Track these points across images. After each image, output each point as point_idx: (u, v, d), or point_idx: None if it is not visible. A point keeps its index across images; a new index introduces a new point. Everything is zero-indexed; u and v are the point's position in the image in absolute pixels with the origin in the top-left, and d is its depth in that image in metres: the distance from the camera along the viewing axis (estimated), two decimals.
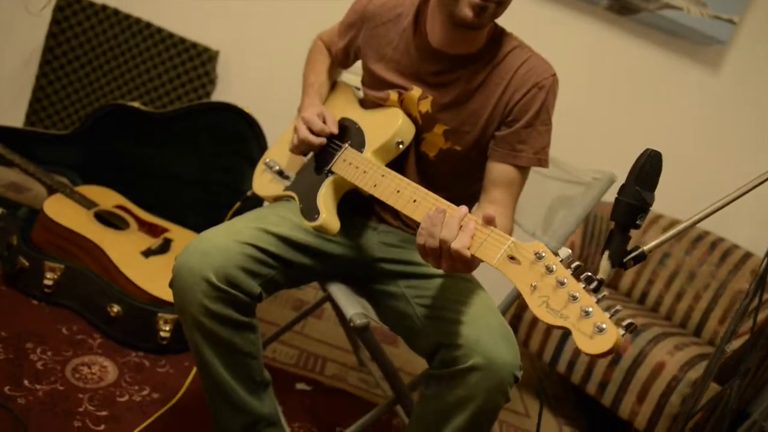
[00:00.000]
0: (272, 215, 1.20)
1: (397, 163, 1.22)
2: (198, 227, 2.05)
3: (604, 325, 0.69)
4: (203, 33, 2.42)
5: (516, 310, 2.19)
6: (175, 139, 2.03)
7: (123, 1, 2.42)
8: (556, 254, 0.80)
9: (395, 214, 1.32)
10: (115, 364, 1.58)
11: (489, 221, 0.87)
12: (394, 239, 1.29)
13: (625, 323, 0.70)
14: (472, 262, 0.87)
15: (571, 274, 0.76)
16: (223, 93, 2.45)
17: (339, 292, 1.26)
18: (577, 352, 2.01)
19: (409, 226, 1.32)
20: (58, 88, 2.47)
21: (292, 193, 1.30)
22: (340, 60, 1.42)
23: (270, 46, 2.46)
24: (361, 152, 1.22)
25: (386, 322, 1.26)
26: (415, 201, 1.01)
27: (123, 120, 2.01)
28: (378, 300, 1.28)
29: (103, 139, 2.02)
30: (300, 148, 1.26)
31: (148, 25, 2.39)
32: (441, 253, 0.89)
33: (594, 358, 1.92)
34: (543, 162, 1.22)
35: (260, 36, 2.46)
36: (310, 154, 1.32)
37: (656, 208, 2.40)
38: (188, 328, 1.09)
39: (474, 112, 1.21)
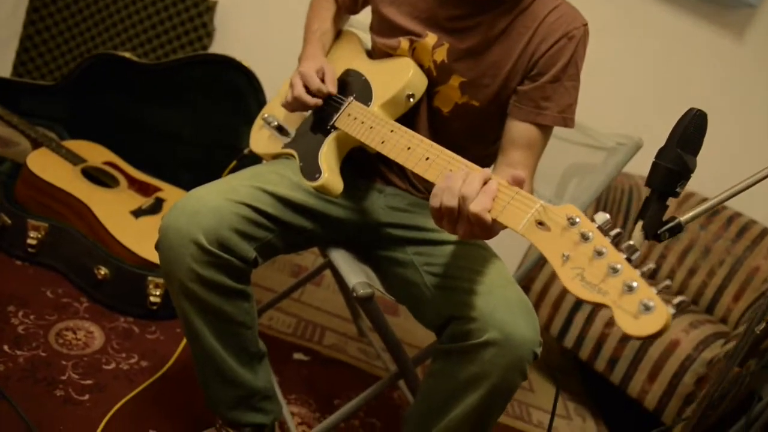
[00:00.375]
0: (270, 173, 1.09)
1: (407, 119, 1.11)
2: (192, 187, 1.95)
3: (651, 303, 0.59)
4: None
5: (523, 282, 2.10)
6: (169, 93, 1.92)
7: None
8: (592, 220, 0.69)
9: (403, 175, 1.21)
10: (102, 330, 1.49)
11: (517, 183, 0.77)
12: (401, 203, 1.19)
13: (675, 301, 0.60)
14: (493, 227, 0.77)
15: (611, 243, 0.66)
16: (220, 46, 2.31)
17: (341, 258, 1.16)
18: (586, 326, 1.92)
19: (418, 189, 1.22)
20: (47, 38, 2.33)
21: (292, 151, 1.19)
22: (348, 5, 1.29)
23: (274, 4, 2.32)
24: (368, 106, 1.11)
25: (392, 291, 1.17)
26: (427, 159, 0.90)
27: (112, 71, 1.88)
28: (383, 268, 1.19)
29: (91, 91, 1.90)
30: (293, 105, 1.15)
31: None
32: (458, 215, 0.79)
33: (639, 340, 1.84)
34: (569, 122, 1.11)
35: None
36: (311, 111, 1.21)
37: None
38: (176, 295, 0.99)
39: (495, 63, 1.09)
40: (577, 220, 0.69)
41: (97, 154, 1.82)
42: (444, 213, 0.80)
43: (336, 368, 1.70)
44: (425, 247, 1.11)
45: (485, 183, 0.78)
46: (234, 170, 1.41)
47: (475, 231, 0.78)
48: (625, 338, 1.85)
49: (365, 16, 1.31)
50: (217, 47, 2.33)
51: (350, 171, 1.16)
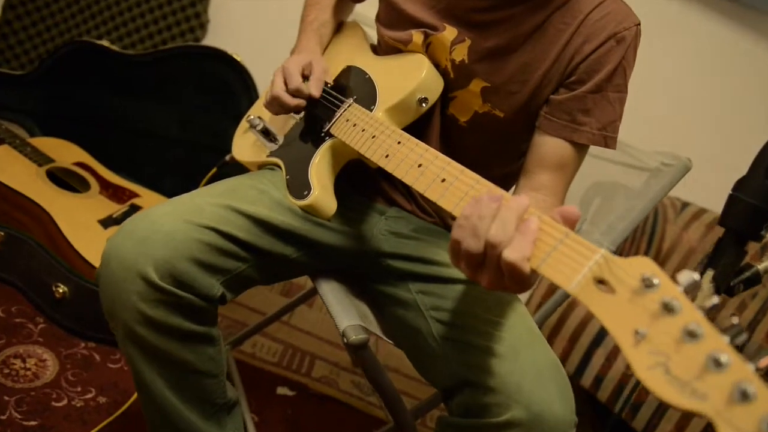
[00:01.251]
0: (248, 188, 0.90)
1: (416, 128, 0.91)
2: (175, 193, 1.76)
3: None
4: None
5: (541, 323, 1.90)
6: (152, 87, 1.72)
7: None
8: (673, 278, 0.50)
9: (409, 194, 1.01)
10: (57, 357, 1.30)
11: (568, 220, 0.57)
12: (405, 228, 0.99)
13: None
14: (530, 280, 0.57)
15: (705, 317, 0.46)
16: (214, 40, 2.12)
17: (331, 293, 0.96)
18: (607, 365, 1.72)
19: (425, 211, 1.02)
20: (27, 24, 2.14)
21: (278, 160, 1.00)
22: None
23: None
24: (370, 111, 0.91)
25: (390, 335, 0.97)
26: (444, 181, 0.70)
27: (90, 61, 1.70)
28: (381, 305, 0.99)
29: (66, 83, 1.71)
30: (272, 106, 0.97)
31: None
32: (484, 261, 0.59)
33: None
34: (610, 142, 0.91)
35: None
36: (303, 112, 1.02)
37: (697, 199, 2.10)
38: (120, 340, 0.80)
39: (525, 65, 0.90)
40: (656, 281, 0.49)
41: (67, 153, 1.63)
42: (465, 255, 0.60)
43: (326, 405, 1.50)
44: (432, 285, 0.92)
45: (523, 220, 0.58)
46: (213, 180, 1.22)
47: (505, 283, 0.58)
48: None
49: (370, 8, 1.11)
50: (210, 40, 2.13)
51: (346, 186, 0.96)
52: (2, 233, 1.38)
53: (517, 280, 0.56)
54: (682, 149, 1.19)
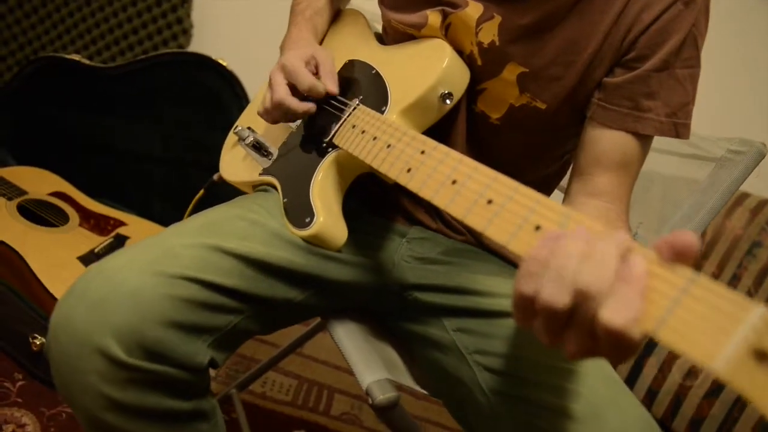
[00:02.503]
0: (235, 219, 0.72)
1: (435, 132, 0.74)
2: (165, 219, 1.60)
3: None
4: None
5: None
6: (132, 102, 1.55)
7: None
8: None
9: (432, 208, 0.84)
10: (39, 420, 1.13)
11: (683, 254, 0.38)
12: (432, 251, 0.81)
13: None
14: (637, 348, 0.39)
15: None
16: (200, 46, 1.95)
17: (347, 339, 0.79)
18: (660, 375, 1.54)
19: (453, 228, 0.84)
20: None
21: (272, 179, 0.83)
22: None
23: None
24: (381, 113, 0.74)
25: (425, 384, 0.79)
26: (490, 202, 0.52)
27: (61, 78, 1.53)
28: (411, 346, 0.82)
29: (36, 103, 1.55)
30: (273, 114, 0.79)
31: None
32: (572, 321, 0.41)
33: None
34: (681, 130, 0.73)
35: None
36: (300, 121, 0.85)
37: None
38: (85, 427, 0.62)
39: (571, 43, 0.72)
40: None
41: (42, 183, 1.47)
42: (544, 313, 0.41)
43: None
44: (473, 321, 0.74)
45: (625, 262, 0.40)
46: (201, 205, 1.05)
47: (600, 350, 0.40)
48: (713, 392, 1.47)
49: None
50: (195, 47, 1.97)
51: (355, 204, 0.79)
52: None
53: (620, 348, 0.38)
54: (752, 135, 1.01)
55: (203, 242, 0.65)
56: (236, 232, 0.69)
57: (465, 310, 0.75)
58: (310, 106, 0.77)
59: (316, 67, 0.79)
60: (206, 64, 1.51)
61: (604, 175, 0.74)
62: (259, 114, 0.81)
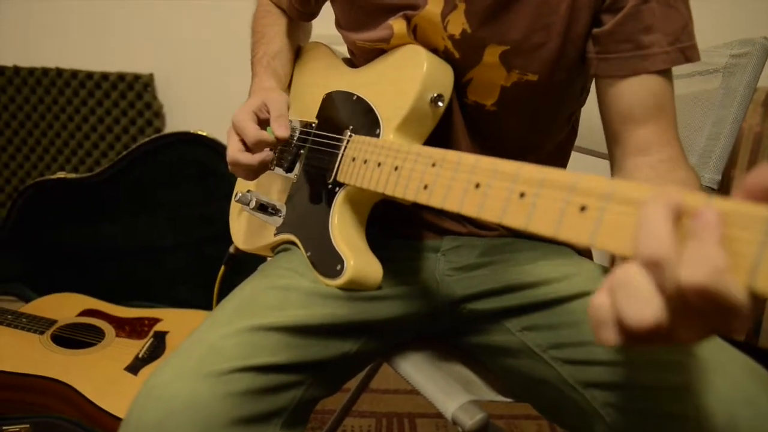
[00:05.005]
0: (266, 290, 0.69)
1: (434, 137, 0.71)
2: (195, 301, 1.58)
3: None
4: (126, 60, 1.91)
5: None
6: (129, 199, 1.54)
7: (18, 57, 1.92)
8: None
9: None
10: None
11: (760, 192, 0.34)
12: (470, 257, 0.77)
13: None
14: (745, 306, 0.34)
15: None
16: (176, 123, 1.95)
17: (416, 372, 0.76)
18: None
19: (485, 226, 0.80)
20: None
21: (289, 236, 0.80)
22: (299, 9, 0.90)
23: (215, 50, 1.93)
24: (377, 136, 0.71)
25: (509, 392, 0.76)
26: (523, 195, 0.49)
27: (53, 199, 1.52)
28: (482, 358, 0.78)
29: (37, 231, 1.54)
30: (240, 174, 0.78)
31: (59, 72, 1.89)
32: (669, 308, 0.36)
33: None
34: (690, 53, 0.68)
35: (197, 40, 1.94)
36: (297, 167, 0.82)
37: None
38: None
39: (541, 6, 0.68)
40: None
41: (67, 306, 1.45)
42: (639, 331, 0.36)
43: None
44: (536, 316, 0.70)
45: (683, 215, 0.36)
46: (225, 281, 1.03)
47: (709, 320, 0.35)
48: None
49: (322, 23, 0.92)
50: (172, 126, 1.96)
51: (379, 234, 0.76)
52: (27, 425, 1.19)
53: (723, 310, 0.34)
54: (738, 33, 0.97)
55: (242, 326, 0.62)
56: (271, 304, 0.66)
57: (523, 307, 0.71)
58: (264, 157, 0.75)
59: (268, 111, 0.77)
60: (188, 140, 1.50)
61: (640, 129, 0.69)
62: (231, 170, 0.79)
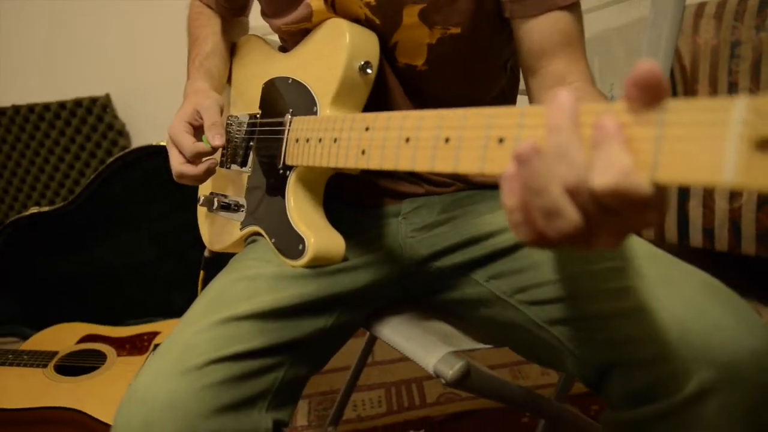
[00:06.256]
0: (234, 283, 0.71)
1: (376, 105, 0.72)
2: (187, 308, 1.61)
3: None
4: (79, 85, 1.90)
5: None
6: (106, 221, 1.55)
7: None
8: None
9: (412, 175, 0.81)
10: None
11: (650, 87, 0.34)
12: (430, 215, 0.79)
13: None
14: (655, 199, 0.35)
15: None
16: (141, 139, 1.95)
17: (395, 335, 0.78)
18: (708, 215, 1.50)
19: (441, 183, 0.82)
20: None
21: (254, 228, 0.81)
22: (225, 6, 0.91)
23: (167, 60, 1.92)
24: (315, 113, 0.72)
25: (487, 339, 0.78)
26: (448, 140, 0.50)
27: (33, 235, 1.53)
28: (457, 312, 0.80)
29: (24, 270, 1.55)
30: (185, 182, 0.79)
31: (16, 109, 1.88)
32: (586, 214, 0.37)
33: None
34: None
35: (147, 53, 1.94)
36: (250, 160, 0.83)
37: None
38: None
39: None
40: None
41: (67, 336, 1.47)
42: (535, 220, 0.39)
43: (462, 425, 1.32)
44: (499, 264, 0.72)
45: (581, 125, 0.37)
46: (205, 282, 1.04)
47: (624, 220, 0.36)
48: (765, 201, 1.43)
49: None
50: (138, 142, 1.96)
51: (338, 208, 0.77)
52: None
53: (637, 207, 0.35)
54: None
55: (213, 320, 0.63)
56: (240, 295, 0.68)
57: (487, 257, 0.73)
58: (207, 165, 0.76)
59: (201, 118, 0.78)
60: (153, 152, 1.51)
61: (554, 62, 0.71)
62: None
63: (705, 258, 1.85)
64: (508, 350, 0.75)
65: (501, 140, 0.45)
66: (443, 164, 0.51)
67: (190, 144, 0.74)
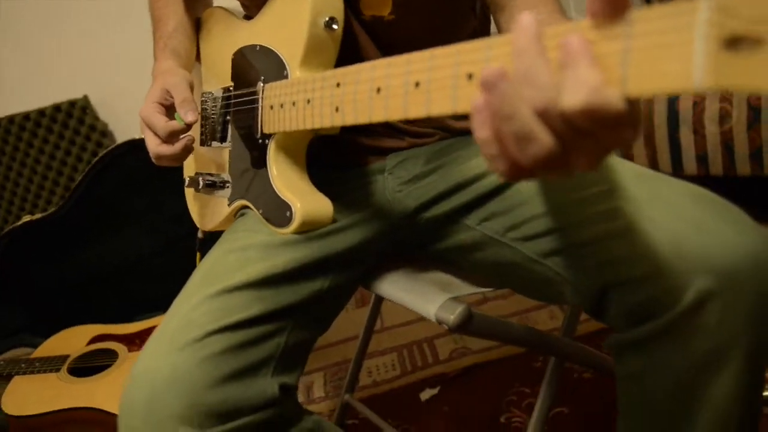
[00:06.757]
0: (224, 256, 0.71)
1: (347, 61, 0.71)
2: None
3: None
4: (56, 89, 1.88)
5: None
6: (99, 221, 1.55)
7: None
8: None
9: (393, 129, 0.81)
10: None
11: (616, 2, 0.34)
12: (415, 167, 0.78)
13: None
14: (629, 115, 0.34)
15: None
16: (125, 137, 1.92)
17: (394, 289, 0.78)
18: (699, 141, 1.49)
19: (423, 134, 0.81)
20: None
21: (242, 202, 0.81)
22: None
23: (140, 55, 1.90)
24: (286, 77, 0.71)
25: (486, 282, 0.78)
26: (418, 85, 0.49)
27: (28, 244, 1.53)
28: (454, 260, 0.80)
29: (23, 277, 1.55)
30: (165, 163, 0.78)
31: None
32: (560, 138, 0.37)
33: None
34: None
35: (120, 51, 1.91)
36: (229, 134, 0.82)
37: None
38: None
39: None
40: None
41: (77, 339, 1.48)
42: (513, 150, 0.38)
43: (475, 379, 1.33)
44: (489, 206, 0.71)
45: (547, 48, 0.37)
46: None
47: (601, 140, 0.36)
48: (753, 120, 1.42)
49: None
50: (123, 137, 1.94)
51: (324, 171, 0.77)
52: None
53: (611, 124, 0.34)
54: None
55: (207, 294, 0.63)
56: (232, 267, 0.67)
57: (476, 200, 0.72)
58: (184, 143, 0.75)
59: (172, 97, 0.77)
60: (135, 146, 1.49)
61: None
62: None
63: (701, 185, 1.84)
64: (514, 301, 0.75)
65: (470, 76, 0.45)
66: (416, 110, 0.50)
67: (163, 124, 0.73)
